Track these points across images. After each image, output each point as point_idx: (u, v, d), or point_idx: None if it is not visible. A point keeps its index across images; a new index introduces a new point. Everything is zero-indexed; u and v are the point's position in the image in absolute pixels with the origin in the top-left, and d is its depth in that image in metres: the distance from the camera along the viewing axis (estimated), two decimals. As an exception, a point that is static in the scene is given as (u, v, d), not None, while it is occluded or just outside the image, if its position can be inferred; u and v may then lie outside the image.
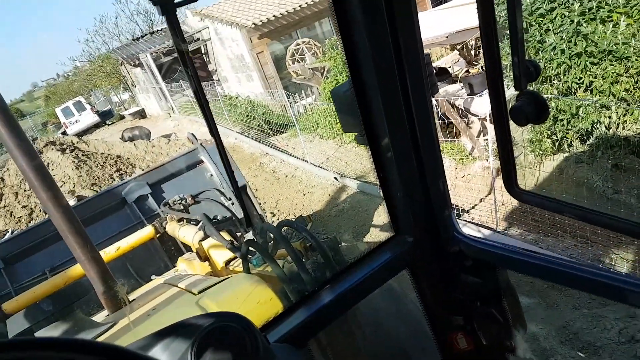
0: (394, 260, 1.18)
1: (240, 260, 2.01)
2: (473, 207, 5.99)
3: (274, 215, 7.77)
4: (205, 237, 2.53)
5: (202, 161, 4.20)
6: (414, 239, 1.19)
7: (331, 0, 0.91)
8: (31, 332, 1.55)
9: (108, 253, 3.17)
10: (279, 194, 8.62)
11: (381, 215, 6.71)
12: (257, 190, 8.85)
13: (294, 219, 8.12)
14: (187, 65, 1.15)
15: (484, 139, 7.13)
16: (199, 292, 1.62)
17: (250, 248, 1.81)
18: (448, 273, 1.24)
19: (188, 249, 3.49)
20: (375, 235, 6.32)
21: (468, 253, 1.17)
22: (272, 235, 1.75)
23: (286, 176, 9.39)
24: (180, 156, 4.41)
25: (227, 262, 2.25)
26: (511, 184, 1.02)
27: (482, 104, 6.96)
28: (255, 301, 1.44)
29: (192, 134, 4.83)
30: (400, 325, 1.74)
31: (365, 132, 1.08)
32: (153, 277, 3.50)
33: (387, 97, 1.01)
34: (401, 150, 1.08)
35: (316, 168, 8.95)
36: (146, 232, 3.43)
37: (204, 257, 2.49)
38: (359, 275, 1.13)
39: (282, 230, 1.68)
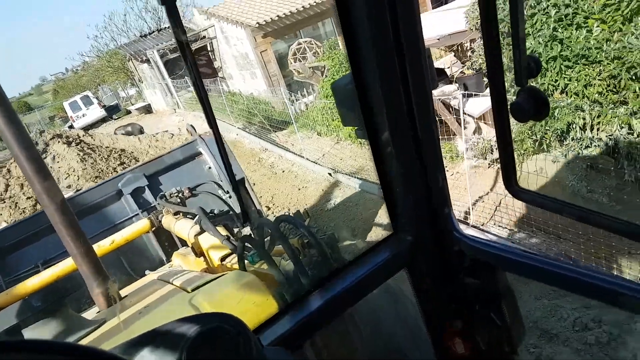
0: (392, 260, 1.15)
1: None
2: (454, 204, 6.25)
3: (269, 208, 8.07)
4: (202, 231, 2.47)
5: (200, 153, 4.16)
6: (413, 237, 1.16)
7: None
8: (19, 329, 1.48)
9: (102, 246, 3.08)
10: (275, 188, 8.92)
11: (370, 210, 6.98)
12: (254, 184, 9.15)
13: (289, 213, 8.43)
14: (187, 56, 1.11)
15: (478, 139, 7.36)
16: (193, 290, 1.58)
17: (247, 244, 1.76)
18: (446, 273, 1.21)
19: (184, 243, 3.45)
20: (364, 228, 6.60)
21: (467, 253, 1.14)
22: (269, 231, 1.67)
23: (283, 171, 9.69)
24: (179, 148, 4.35)
25: (223, 258, 2.20)
26: (510, 182, 1.00)
27: (476, 105, 7.20)
28: (250, 301, 1.38)
29: (192, 125, 4.72)
30: (398, 327, 1.69)
31: (365, 127, 1.05)
32: (147, 272, 3.48)
33: (388, 90, 0.99)
34: (401, 145, 1.05)
35: (312, 164, 9.24)
36: (141, 225, 3.35)
37: (199, 252, 2.44)
38: (356, 274, 1.10)
39: (280, 225, 1.62)
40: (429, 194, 1.12)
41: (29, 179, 1.74)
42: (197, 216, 2.64)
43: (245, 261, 1.83)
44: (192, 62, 1.17)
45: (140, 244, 3.69)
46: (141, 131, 16.96)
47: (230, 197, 3.89)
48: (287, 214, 7.96)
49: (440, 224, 1.15)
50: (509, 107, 0.87)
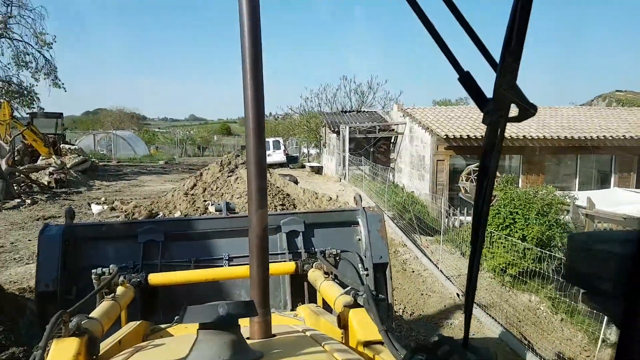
0: None
1: (383, 347, 1.90)
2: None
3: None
4: (355, 305, 2.35)
5: (357, 223, 4.20)
6: None
7: None
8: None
9: (242, 271, 3.21)
10: (399, 284, 9.11)
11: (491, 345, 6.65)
12: (383, 271, 9.50)
13: (404, 311, 8.44)
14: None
15: None
16: None
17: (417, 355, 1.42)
18: None
19: (312, 299, 3.62)
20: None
21: None
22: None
23: (413, 271, 9.83)
24: (342, 210, 4.56)
25: (367, 344, 2.05)
26: None
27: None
28: None
29: (360, 195, 4.82)
30: None
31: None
32: (273, 310, 3.55)
33: None
34: None
35: (444, 278, 9.21)
36: (287, 266, 3.52)
37: (343, 324, 2.34)
38: None
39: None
40: None
41: (250, 202, 1.97)
42: (351, 288, 2.54)
43: None
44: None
45: (274, 281, 3.84)
46: (296, 182, 19.03)
47: (367, 275, 3.90)
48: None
49: None
50: None
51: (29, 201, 14.79)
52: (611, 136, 15.29)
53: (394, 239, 12.41)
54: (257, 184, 1.89)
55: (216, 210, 4.74)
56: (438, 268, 9.64)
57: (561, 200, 9.87)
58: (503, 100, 0.71)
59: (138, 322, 2.66)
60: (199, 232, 3.88)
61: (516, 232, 9.30)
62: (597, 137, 15.27)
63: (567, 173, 17.03)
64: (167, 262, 3.66)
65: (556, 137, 15.20)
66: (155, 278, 3.20)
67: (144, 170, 27.50)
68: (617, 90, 35.16)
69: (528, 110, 0.72)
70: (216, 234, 3.86)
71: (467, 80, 0.76)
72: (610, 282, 0.74)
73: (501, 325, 7.21)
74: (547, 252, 8.28)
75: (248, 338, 1.81)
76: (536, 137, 15.10)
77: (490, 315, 7.53)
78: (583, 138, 15.29)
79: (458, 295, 8.41)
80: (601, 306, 0.82)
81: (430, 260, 10.28)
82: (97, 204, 14.79)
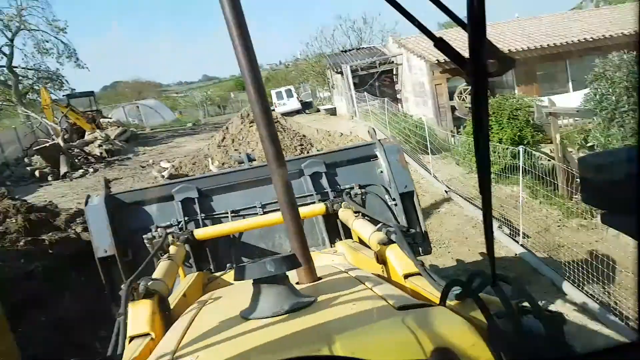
0: None
1: (419, 275, 2.01)
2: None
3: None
4: (389, 242, 2.43)
5: (376, 156, 4.26)
6: None
7: None
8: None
9: (278, 217, 3.34)
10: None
11: (463, 230, 8.79)
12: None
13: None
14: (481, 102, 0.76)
15: None
16: (399, 309, 1.41)
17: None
18: None
19: (347, 234, 3.72)
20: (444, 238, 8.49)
21: None
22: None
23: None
24: (358, 146, 4.62)
25: (406, 276, 2.14)
26: None
27: None
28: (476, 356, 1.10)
29: (373, 128, 4.88)
30: None
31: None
32: (313, 249, 3.54)
33: None
34: None
35: (437, 182, 11.30)
36: (318, 208, 3.71)
37: (382, 260, 2.44)
38: None
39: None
40: None
41: (267, 156, 1.98)
42: (382, 225, 2.69)
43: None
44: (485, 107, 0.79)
45: (309, 221, 3.98)
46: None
47: (395, 205, 4.00)
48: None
49: None
50: None
51: (91, 170, 17.55)
52: (591, 37, 16.35)
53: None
54: (267, 131, 1.92)
55: (238, 163, 5.04)
56: (431, 174, 11.71)
57: (528, 104, 11.53)
58: (479, 59, 0.69)
59: (195, 274, 2.87)
60: (228, 185, 4.11)
61: (493, 136, 11.10)
62: (578, 40, 16.35)
63: (562, 79, 18.15)
64: (207, 216, 3.93)
65: (539, 47, 16.40)
66: (200, 232, 3.55)
67: (175, 134, 29.81)
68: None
69: (505, 63, 0.72)
70: (244, 185, 4.09)
71: (442, 46, 0.76)
72: (627, 200, 0.71)
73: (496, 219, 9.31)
74: (522, 147, 9.96)
75: (297, 283, 1.91)
76: (520, 50, 16.33)
77: (477, 206, 9.53)
78: (565, 44, 16.41)
79: (445, 192, 10.52)
80: (621, 225, 0.79)
81: (427, 170, 12.33)
82: (167, 161, 17.19)
